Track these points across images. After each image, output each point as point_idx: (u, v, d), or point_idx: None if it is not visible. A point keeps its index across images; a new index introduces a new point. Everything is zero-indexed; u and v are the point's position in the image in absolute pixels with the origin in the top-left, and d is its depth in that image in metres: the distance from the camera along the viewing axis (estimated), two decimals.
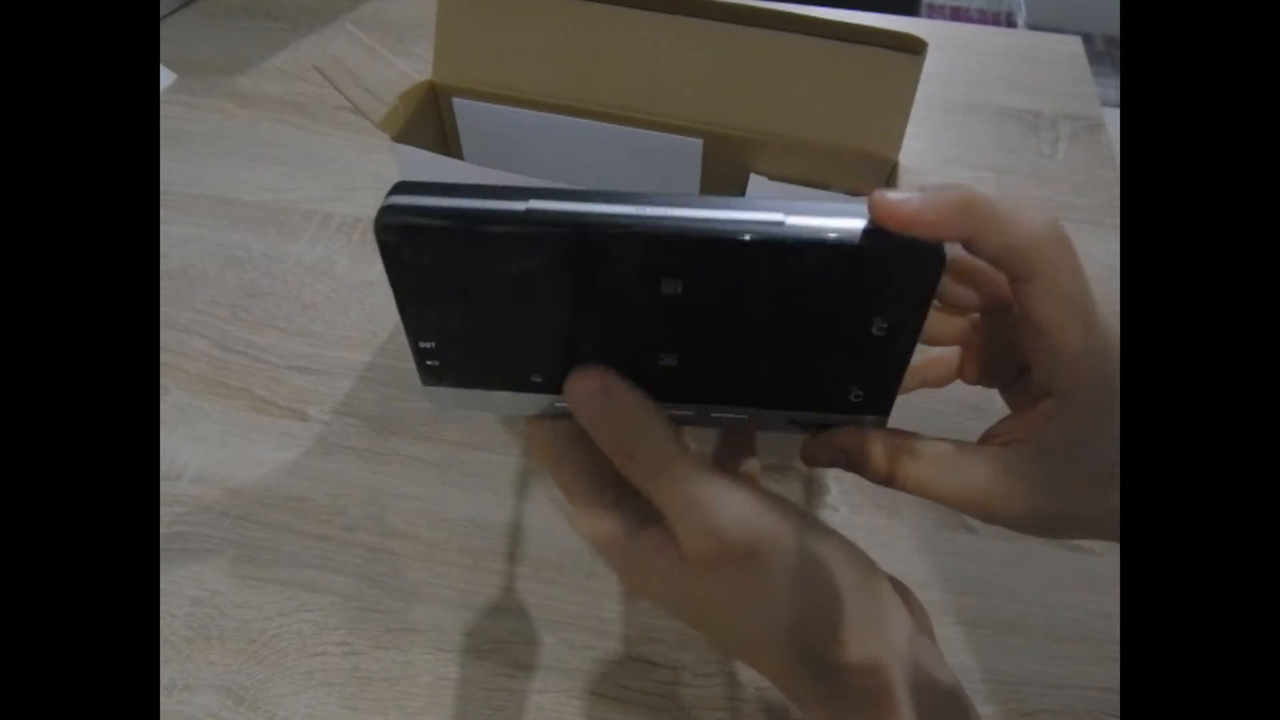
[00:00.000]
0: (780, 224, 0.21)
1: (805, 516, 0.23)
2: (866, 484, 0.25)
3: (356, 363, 0.48)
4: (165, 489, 0.43)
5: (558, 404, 0.25)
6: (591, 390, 0.23)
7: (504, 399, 0.25)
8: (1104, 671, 0.37)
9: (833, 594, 0.22)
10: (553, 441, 0.25)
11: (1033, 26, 1.98)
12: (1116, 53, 1.95)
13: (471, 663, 0.38)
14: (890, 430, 0.25)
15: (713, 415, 0.25)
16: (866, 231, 0.21)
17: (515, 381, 0.25)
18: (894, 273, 0.21)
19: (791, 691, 0.24)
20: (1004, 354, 0.25)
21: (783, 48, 0.35)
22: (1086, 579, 0.40)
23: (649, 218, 0.21)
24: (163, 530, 0.42)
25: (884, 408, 0.25)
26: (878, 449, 0.24)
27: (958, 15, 2.08)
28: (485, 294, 0.22)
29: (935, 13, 2.06)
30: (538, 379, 0.24)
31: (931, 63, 0.35)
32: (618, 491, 0.24)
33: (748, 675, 0.37)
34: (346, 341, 0.49)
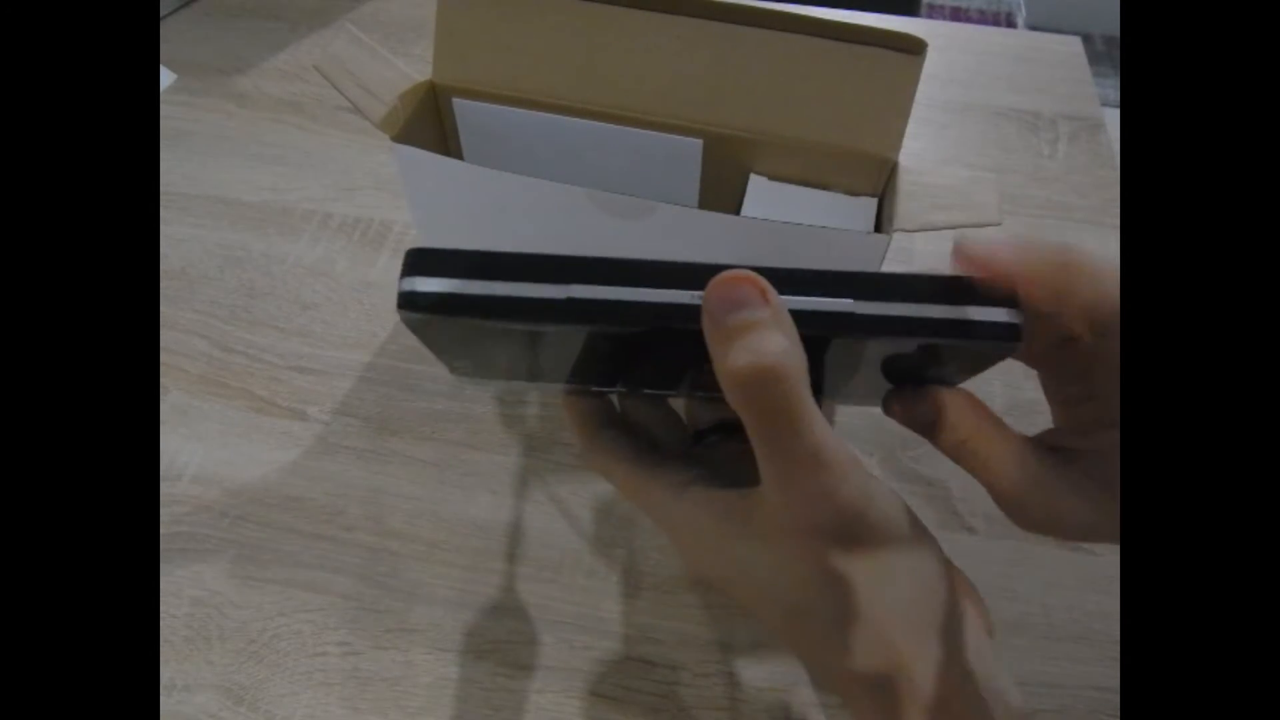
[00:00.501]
0: (850, 314, 0.19)
1: (911, 512, 0.23)
2: None
3: (356, 363, 0.48)
4: (165, 489, 0.43)
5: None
6: (745, 296, 0.19)
7: (534, 386, 0.26)
8: (1104, 671, 0.37)
9: (929, 608, 0.21)
10: (591, 416, 0.25)
11: (1033, 26, 1.98)
12: (1116, 53, 1.95)
13: (471, 663, 0.38)
14: (976, 401, 0.24)
15: None
16: (946, 320, 0.20)
17: (548, 380, 0.25)
18: (964, 353, 0.21)
19: (853, 703, 0.22)
20: (1074, 375, 0.24)
21: (783, 48, 0.35)
22: (1086, 579, 0.40)
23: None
24: (163, 530, 0.42)
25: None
26: (965, 422, 0.24)
27: (958, 15, 2.07)
28: (519, 352, 0.22)
29: (935, 13, 2.06)
30: (572, 386, 0.25)
31: (931, 63, 0.35)
32: (657, 457, 0.24)
33: (747, 675, 0.37)
34: (346, 341, 0.49)
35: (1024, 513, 0.23)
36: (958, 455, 0.24)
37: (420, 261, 0.19)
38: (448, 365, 0.25)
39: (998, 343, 0.20)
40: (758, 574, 0.22)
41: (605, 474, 0.26)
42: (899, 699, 0.21)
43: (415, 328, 0.20)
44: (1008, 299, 0.21)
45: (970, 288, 0.20)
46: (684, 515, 0.23)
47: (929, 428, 0.25)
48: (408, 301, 0.19)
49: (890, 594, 0.21)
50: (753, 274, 0.19)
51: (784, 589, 0.22)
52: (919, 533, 0.22)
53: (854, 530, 0.21)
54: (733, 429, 0.26)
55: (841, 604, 0.21)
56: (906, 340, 0.20)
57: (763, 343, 0.18)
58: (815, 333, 0.19)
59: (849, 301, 0.19)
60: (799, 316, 0.19)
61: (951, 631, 0.22)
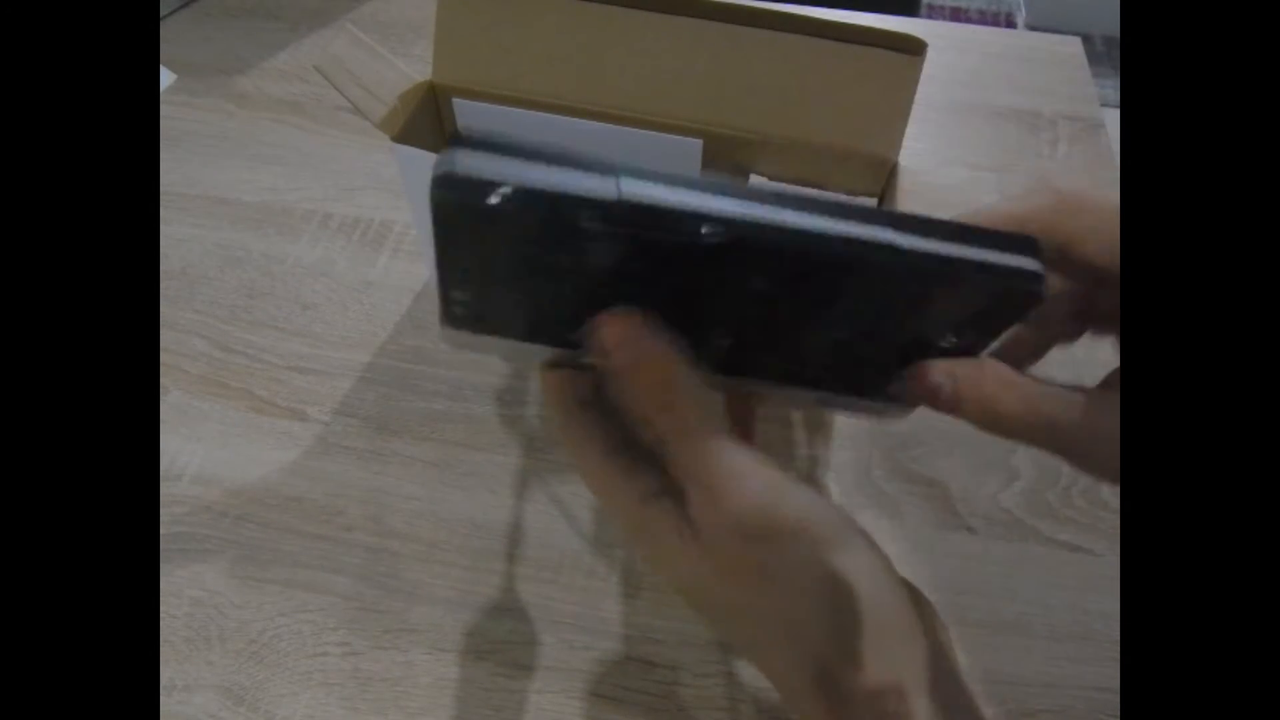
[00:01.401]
0: (894, 247, 0.19)
1: (839, 511, 0.22)
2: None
3: (356, 363, 0.48)
4: (165, 489, 0.43)
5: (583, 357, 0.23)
6: (628, 335, 0.21)
7: (525, 351, 0.23)
8: (1104, 671, 0.37)
9: (855, 604, 0.21)
10: (568, 392, 0.24)
11: (1032, 27, 1.98)
12: (1116, 53, 1.95)
13: (471, 663, 0.38)
14: (994, 362, 0.24)
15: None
16: (981, 262, 0.20)
17: (547, 337, 0.23)
18: (992, 298, 0.21)
19: (797, 704, 0.22)
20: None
21: (782, 48, 0.35)
22: (1086, 579, 0.40)
23: (756, 221, 0.18)
24: (163, 530, 0.42)
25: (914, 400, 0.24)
26: (989, 384, 0.23)
27: (958, 15, 2.07)
28: (541, 267, 0.20)
29: (935, 13, 2.06)
30: (573, 337, 0.22)
31: (931, 63, 0.35)
32: (631, 456, 0.23)
33: (747, 675, 0.37)
34: (346, 342, 0.49)
35: (1099, 460, 0.22)
36: (992, 422, 0.23)
37: (463, 141, 0.18)
38: (445, 300, 0.22)
39: (1028, 286, 0.20)
40: (705, 584, 0.22)
41: (575, 458, 0.25)
42: (834, 699, 0.21)
43: (444, 216, 0.19)
44: (1030, 246, 0.21)
45: (995, 236, 0.21)
46: (645, 524, 0.23)
47: (951, 400, 0.23)
48: (447, 180, 0.18)
49: (815, 595, 0.21)
50: (627, 314, 0.21)
51: (725, 596, 0.22)
52: (842, 530, 0.22)
53: (768, 529, 0.21)
54: None
55: (771, 605, 0.21)
56: (944, 282, 0.20)
57: (658, 370, 0.21)
58: (851, 258, 0.19)
59: (890, 233, 0.19)
60: (840, 242, 0.19)
61: (881, 626, 0.21)
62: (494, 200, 0.18)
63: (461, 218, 0.18)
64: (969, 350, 0.22)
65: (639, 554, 0.25)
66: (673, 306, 0.21)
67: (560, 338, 0.22)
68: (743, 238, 0.19)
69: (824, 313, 0.21)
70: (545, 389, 0.25)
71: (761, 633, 0.22)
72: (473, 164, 0.18)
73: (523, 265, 0.20)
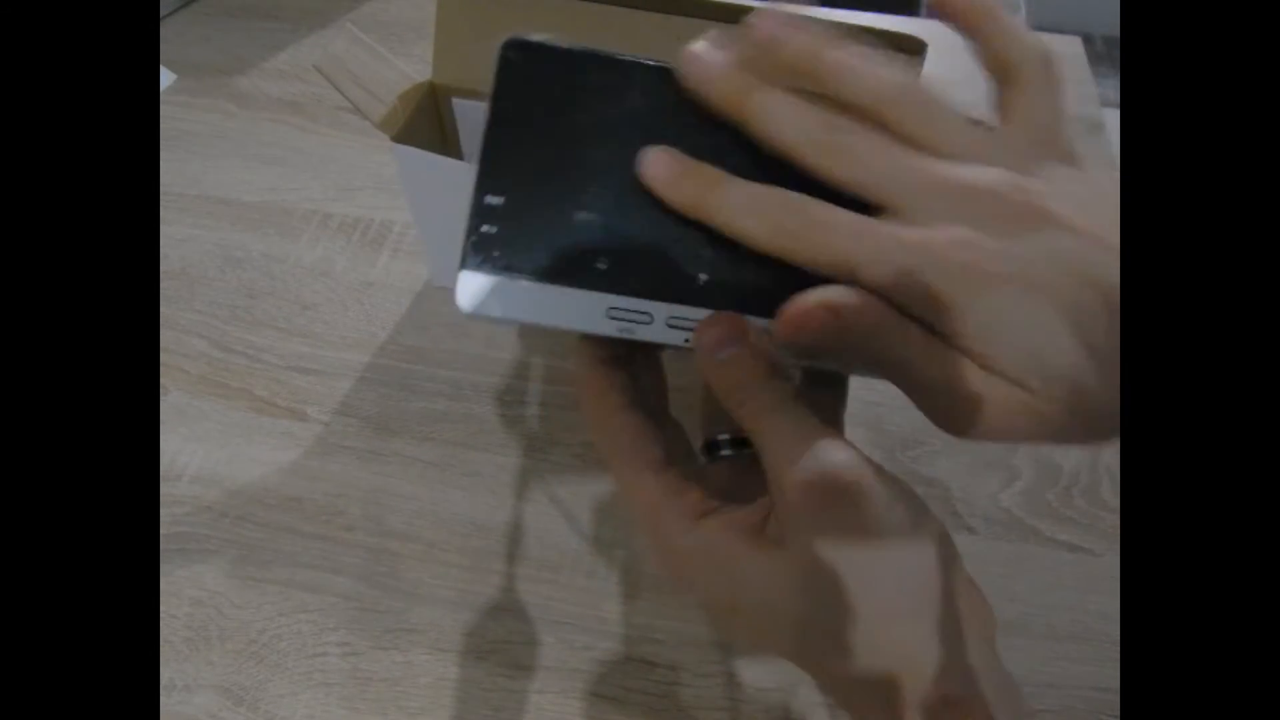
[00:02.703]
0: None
1: (918, 502, 0.22)
2: None
3: (356, 363, 0.48)
4: (165, 489, 0.43)
5: (616, 319, 0.22)
6: (723, 337, 0.22)
7: (553, 300, 0.22)
8: (1104, 671, 0.37)
9: (926, 602, 0.21)
10: (609, 398, 0.23)
11: (1033, 26, 1.98)
12: (1116, 53, 1.95)
13: (471, 663, 0.38)
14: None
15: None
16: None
17: (576, 268, 0.22)
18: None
19: (844, 697, 0.22)
20: None
21: None
22: (1086, 579, 0.40)
23: None
24: (163, 530, 0.42)
25: None
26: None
27: None
28: (582, 138, 0.22)
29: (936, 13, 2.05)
30: (602, 265, 0.22)
31: (931, 63, 0.35)
32: (679, 471, 0.23)
33: (747, 675, 0.37)
34: (346, 342, 0.49)
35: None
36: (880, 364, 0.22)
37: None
38: (476, 214, 0.22)
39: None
40: (761, 591, 0.21)
41: (616, 472, 0.23)
42: (902, 703, 0.20)
43: (505, 78, 0.22)
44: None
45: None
46: (697, 544, 0.22)
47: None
48: (516, 44, 0.22)
49: (888, 590, 0.21)
50: (733, 316, 0.22)
51: (785, 601, 0.21)
52: (921, 521, 0.22)
53: (849, 519, 0.21)
54: (747, 442, 0.24)
55: (839, 605, 0.21)
56: None
57: (747, 370, 0.22)
58: None
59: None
60: None
61: (952, 626, 0.21)
62: (561, 46, 0.22)
63: (523, 70, 0.22)
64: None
65: (677, 577, 0.23)
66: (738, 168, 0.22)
67: (594, 274, 0.22)
68: None
69: None
70: (584, 392, 0.24)
71: (820, 636, 0.21)
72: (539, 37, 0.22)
73: (564, 136, 0.22)
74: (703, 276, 0.22)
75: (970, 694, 0.21)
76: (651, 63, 0.22)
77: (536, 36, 0.22)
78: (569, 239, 0.22)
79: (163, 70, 0.66)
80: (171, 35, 0.69)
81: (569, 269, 0.22)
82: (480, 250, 0.22)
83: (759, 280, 0.22)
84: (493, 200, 0.22)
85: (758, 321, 0.22)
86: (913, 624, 0.21)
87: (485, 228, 0.22)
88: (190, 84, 0.65)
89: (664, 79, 0.22)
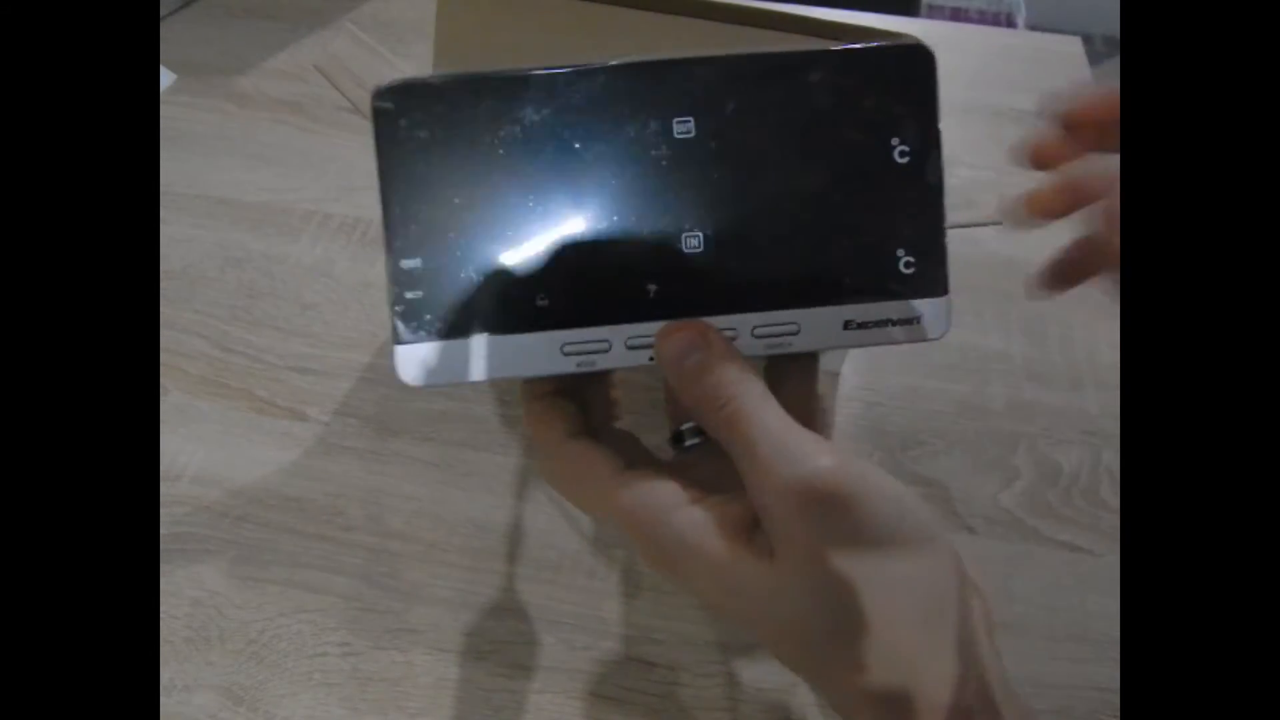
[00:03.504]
0: (776, 53, 0.21)
1: (918, 505, 0.21)
2: None
3: (356, 363, 0.48)
4: (165, 489, 0.43)
5: (572, 354, 0.21)
6: (689, 343, 0.21)
7: (501, 352, 0.21)
8: (1104, 671, 0.37)
9: (938, 608, 0.20)
10: (557, 426, 0.22)
11: (1033, 26, 1.98)
12: (1116, 53, 1.95)
13: (471, 663, 0.38)
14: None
15: (757, 330, 0.22)
16: (854, 46, 0.21)
17: (516, 313, 0.21)
18: (889, 74, 0.21)
19: (853, 711, 0.21)
20: None
21: (783, 48, 0.35)
22: (1086, 579, 0.40)
23: (648, 59, 0.21)
24: (163, 530, 0.42)
25: (939, 278, 0.22)
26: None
27: (958, 15, 2.07)
28: (485, 172, 0.20)
29: (935, 13, 2.06)
30: (542, 301, 0.20)
31: None
32: (637, 473, 0.22)
33: (747, 675, 0.37)
34: (346, 342, 0.49)
35: None
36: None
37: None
38: (395, 281, 0.21)
39: (913, 53, 0.22)
40: (758, 603, 0.21)
41: (571, 496, 0.23)
42: (916, 716, 0.20)
43: (386, 132, 0.20)
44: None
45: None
46: (682, 537, 0.21)
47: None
48: (382, 93, 0.20)
49: (899, 599, 0.20)
50: (692, 323, 0.21)
51: (785, 612, 0.21)
52: (920, 521, 0.21)
53: (843, 527, 0.20)
54: None
55: (845, 617, 0.20)
56: (827, 69, 0.22)
57: (716, 374, 0.21)
58: (764, 70, 0.22)
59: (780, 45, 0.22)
60: (747, 59, 0.22)
61: (965, 635, 0.20)
62: (426, 80, 0.20)
63: (401, 120, 0.20)
64: (928, 162, 0.21)
65: (670, 575, 0.23)
66: (626, 210, 0.21)
67: (536, 313, 0.21)
68: (644, 64, 0.21)
69: (764, 154, 0.21)
70: (531, 424, 0.23)
71: (827, 648, 0.20)
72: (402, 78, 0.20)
73: (464, 181, 0.21)
74: (652, 288, 0.21)
75: (986, 704, 0.20)
76: (528, 72, 0.21)
77: (400, 78, 0.20)
78: (499, 283, 0.21)
79: (163, 70, 0.66)
80: (171, 35, 0.69)
81: (508, 315, 0.21)
82: (410, 319, 0.21)
83: (711, 277, 0.21)
84: (409, 264, 0.20)
85: (719, 320, 0.21)
86: (924, 633, 0.20)
87: (409, 294, 0.20)
88: (190, 84, 0.65)
89: (545, 86, 0.21)
